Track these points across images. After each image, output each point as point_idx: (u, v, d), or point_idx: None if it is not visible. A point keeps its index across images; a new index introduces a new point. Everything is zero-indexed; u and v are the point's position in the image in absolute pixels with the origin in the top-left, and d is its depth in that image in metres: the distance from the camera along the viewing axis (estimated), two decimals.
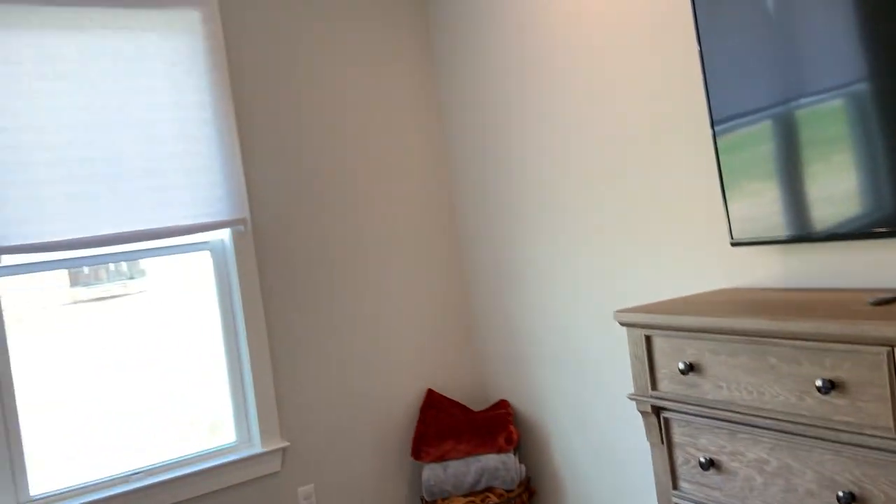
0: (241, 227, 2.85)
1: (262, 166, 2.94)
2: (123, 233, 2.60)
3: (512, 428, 3.12)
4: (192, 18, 2.77)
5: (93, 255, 2.64)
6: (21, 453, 2.48)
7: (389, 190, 3.25)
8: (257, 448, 2.88)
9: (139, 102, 2.65)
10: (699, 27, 2.03)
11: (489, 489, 3.05)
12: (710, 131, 2.17)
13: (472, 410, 3.36)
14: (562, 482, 3.07)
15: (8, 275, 2.49)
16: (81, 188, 2.53)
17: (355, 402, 3.12)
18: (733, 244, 2.06)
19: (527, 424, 3.22)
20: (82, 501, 2.51)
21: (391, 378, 3.22)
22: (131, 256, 2.73)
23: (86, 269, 3.77)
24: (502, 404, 3.30)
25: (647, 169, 2.44)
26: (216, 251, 2.88)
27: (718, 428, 1.82)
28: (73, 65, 2.54)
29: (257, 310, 2.88)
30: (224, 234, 2.88)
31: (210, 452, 2.84)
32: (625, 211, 2.56)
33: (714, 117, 2.03)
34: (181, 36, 2.75)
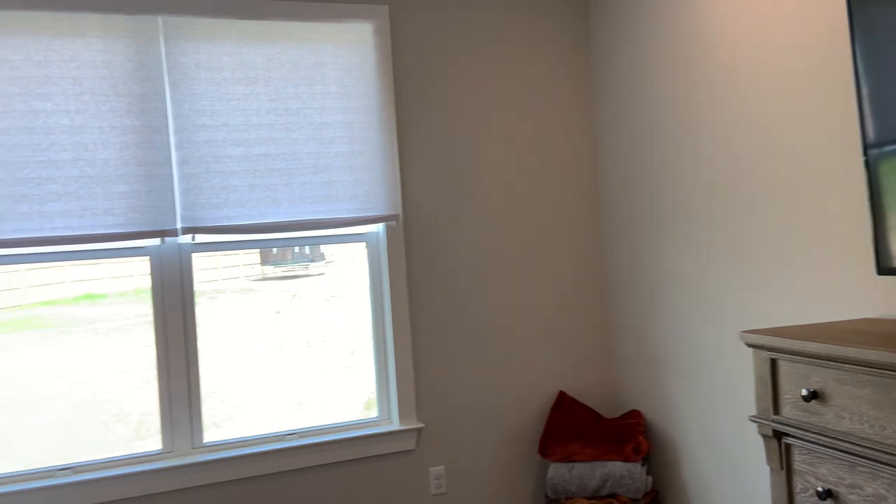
0: (394, 223, 3.11)
1: (416, 167, 3.18)
2: (295, 221, 2.94)
3: (641, 438, 3.13)
4: (364, 31, 3.06)
5: (268, 239, 3.01)
6: (199, 405, 2.90)
7: (535, 192, 3.37)
8: (395, 425, 3.12)
9: (314, 106, 2.98)
10: (854, 42, 1.96)
11: (614, 495, 3.08)
12: (861, 157, 2.08)
13: (602, 417, 3.40)
14: (687, 497, 3.04)
15: (200, 251, 2.91)
16: (262, 180, 2.90)
17: (489, 394, 3.28)
18: (880, 272, 1.97)
19: (657, 436, 3.21)
20: (246, 452, 2.88)
21: (525, 376, 3.34)
22: (300, 242, 3.07)
23: (274, 250, 4.23)
24: (634, 414, 3.31)
25: (796, 189, 2.37)
26: (371, 242, 3.16)
27: (839, 459, 1.77)
28: (261, 71, 2.91)
29: (403, 299, 3.12)
30: (378, 228, 3.15)
31: (355, 423, 3.12)
32: (769, 229, 2.50)
33: (867, 142, 1.96)
34: (354, 46, 3.04)
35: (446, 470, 3.22)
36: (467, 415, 3.25)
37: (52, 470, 2.70)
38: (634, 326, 3.30)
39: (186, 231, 2.80)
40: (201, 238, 2.90)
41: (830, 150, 2.23)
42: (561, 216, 3.42)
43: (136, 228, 2.73)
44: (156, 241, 2.83)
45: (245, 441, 2.97)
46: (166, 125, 2.78)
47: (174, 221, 2.79)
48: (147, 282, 2.85)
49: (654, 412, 3.22)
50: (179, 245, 2.87)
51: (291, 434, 3.02)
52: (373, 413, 3.20)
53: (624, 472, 3.07)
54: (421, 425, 3.14)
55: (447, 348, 3.22)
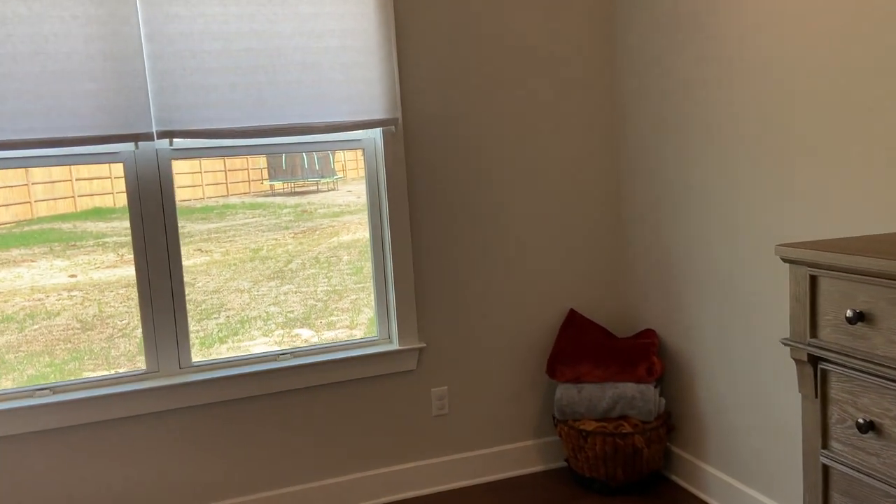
0: (392, 128, 2.84)
1: (417, 66, 2.87)
2: (282, 125, 2.67)
3: (655, 359, 2.95)
4: None
5: (254, 145, 2.75)
6: (186, 324, 2.72)
7: (548, 99, 3.07)
8: (395, 345, 2.95)
9: None
10: None
11: (624, 417, 2.94)
12: None
13: (614, 336, 3.22)
14: (703, 422, 2.89)
15: (180, 157, 2.67)
16: (245, 79, 2.62)
17: (494, 313, 3.09)
18: None
19: (672, 357, 3.03)
20: (236, 372, 2.72)
21: (533, 293, 3.14)
22: (289, 149, 2.81)
23: (283, 165, 3.97)
24: (648, 334, 3.12)
25: (835, 84, 2.08)
26: (368, 150, 2.90)
27: (886, 389, 1.56)
28: None
29: (403, 212, 2.89)
30: (376, 133, 2.88)
31: (352, 343, 2.96)
32: (802, 132, 2.22)
33: None
34: None
35: (449, 391, 3.07)
36: (471, 334, 3.07)
37: (31, 390, 2.56)
38: (653, 243, 3.06)
39: (162, 135, 2.55)
40: (181, 143, 2.65)
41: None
42: (575, 125, 3.13)
43: (107, 132, 2.48)
44: (129, 146, 2.58)
45: (236, 360, 2.81)
46: (135, 14, 2.49)
47: (149, 125, 2.53)
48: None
49: (669, 332, 3.03)
50: (157, 150, 2.62)
51: (285, 354, 2.86)
52: (372, 332, 3.03)
53: (635, 394, 2.91)
54: (422, 345, 2.97)
55: (450, 264, 3.01)
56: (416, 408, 3.02)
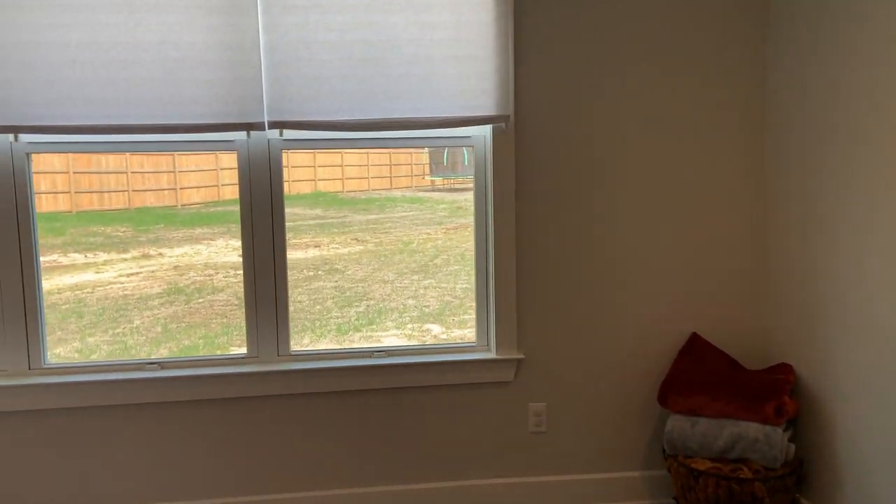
0: (503, 125, 2.69)
1: (534, 60, 2.70)
2: (392, 119, 2.62)
3: (787, 398, 2.59)
4: None
5: (363, 139, 2.72)
6: (286, 312, 2.74)
7: (684, 99, 2.79)
8: (492, 353, 2.81)
9: None
10: None
11: (743, 460, 2.60)
12: None
13: (742, 367, 2.87)
14: (840, 474, 2.49)
15: (291, 148, 2.69)
16: (357, 71, 2.59)
17: (603, 328, 2.86)
18: None
19: (809, 397, 2.65)
20: (332, 365, 2.71)
21: (650, 310, 2.87)
22: (397, 144, 2.75)
23: (444, 160, 3.99)
24: (782, 368, 2.75)
25: None
26: (477, 147, 2.78)
27: None
28: None
29: (508, 214, 2.74)
30: (486, 130, 2.75)
31: (449, 347, 2.85)
32: None
33: None
34: None
35: (548, 407, 2.87)
36: (576, 349, 2.86)
37: (141, 363, 2.69)
38: (799, 260, 2.69)
39: (273, 125, 2.58)
40: (291, 134, 2.67)
41: None
42: (709, 129, 2.81)
43: (222, 120, 2.55)
44: (242, 135, 2.64)
45: (331, 353, 2.80)
46: (255, 5, 2.53)
47: (261, 114, 2.57)
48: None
49: (808, 368, 2.65)
50: (269, 140, 2.66)
51: (379, 351, 2.81)
52: (470, 337, 2.90)
53: (759, 436, 2.56)
54: (521, 356, 2.80)
55: (557, 272, 2.82)
56: (512, 422, 2.86)
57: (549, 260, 2.80)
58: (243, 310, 2.71)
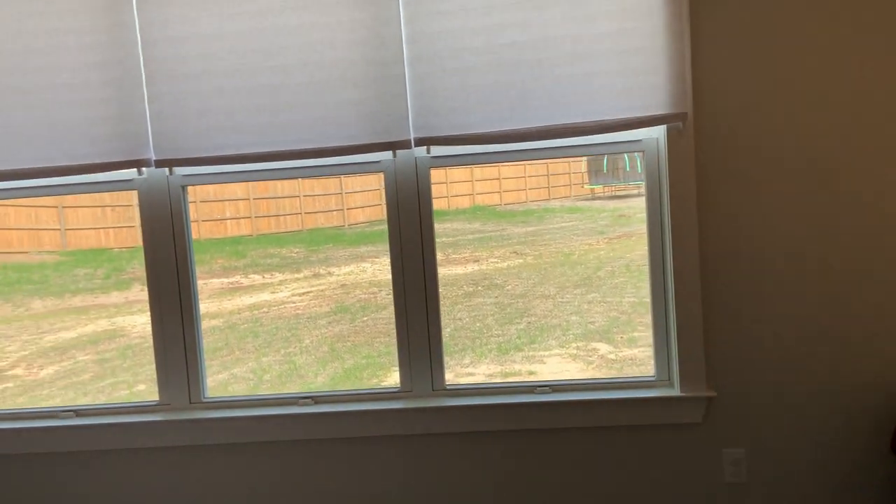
0: (680, 125, 2.31)
1: (716, 47, 2.30)
2: (547, 127, 2.33)
3: None
4: None
5: (514, 151, 2.45)
6: (439, 342, 2.53)
7: None
8: (675, 391, 2.42)
9: None
10: None
11: None
12: None
13: None
14: None
15: (439, 165, 2.48)
16: (507, 77, 2.33)
17: (818, 363, 2.37)
18: None
19: None
20: (489, 402, 2.46)
21: (881, 345, 2.34)
22: (554, 154, 2.45)
23: (604, 167, 3.75)
24: None
25: None
26: (649, 152, 2.41)
27: None
28: None
29: (690, 228, 2.34)
30: (658, 133, 2.38)
31: (624, 381, 2.50)
32: None
33: None
34: None
35: (747, 454, 2.43)
36: (781, 386, 2.39)
37: (295, 397, 2.59)
38: None
39: (419, 142, 2.39)
40: (438, 150, 2.46)
41: None
42: None
43: (366, 140, 2.39)
44: (388, 155, 2.47)
45: (488, 388, 2.55)
46: (398, 16, 2.35)
47: (407, 131, 2.39)
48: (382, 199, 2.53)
49: None
50: (416, 158, 2.47)
51: (543, 386, 2.51)
52: (645, 370, 2.53)
53: None
54: (712, 394, 2.38)
55: (754, 295, 2.37)
56: (701, 470, 2.45)
57: (740, 279, 2.37)
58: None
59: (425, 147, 2.43)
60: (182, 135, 2.43)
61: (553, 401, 2.43)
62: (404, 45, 2.36)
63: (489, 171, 4.84)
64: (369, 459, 2.54)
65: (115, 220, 4.38)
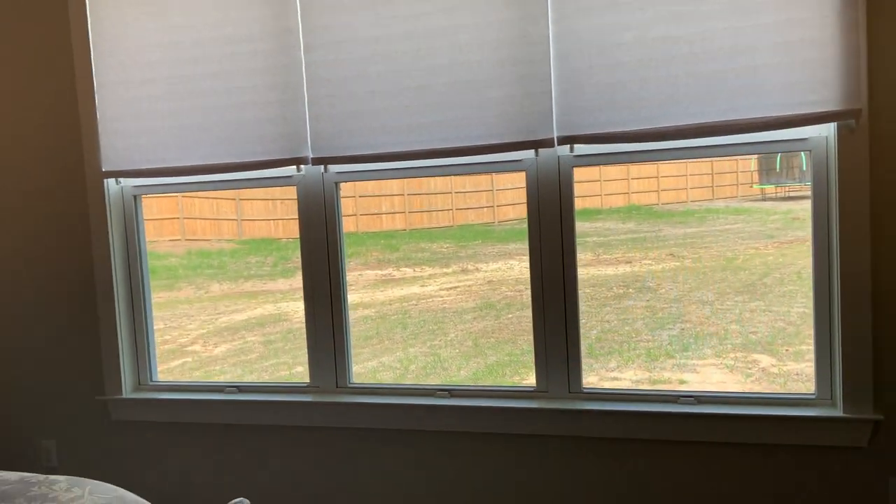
0: (853, 122, 2.11)
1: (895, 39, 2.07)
2: (701, 124, 2.22)
3: None
4: None
5: (661, 150, 2.35)
6: (578, 344, 2.50)
7: None
8: (837, 410, 2.22)
9: None
10: None
11: None
12: None
13: None
14: None
15: (582, 165, 2.44)
16: (658, 72, 2.24)
17: None
18: None
19: None
20: (628, 408, 2.39)
21: None
22: (704, 153, 2.32)
23: (777, 166, 3.56)
24: None
25: None
26: (817, 152, 2.22)
27: None
28: None
29: (861, 230, 2.13)
30: (827, 131, 2.19)
31: (778, 398, 2.33)
32: None
33: None
34: None
35: None
36: None
37: (433, 389, 2.66)
38: None
39: (562, 141, 2.36)
40: (582, 149, 2.41)
41: None
42: None
43: (509, 139, 2.40)
44: (530, 154, 2.46)
45: (627, 394, 2.47)
46: (545, 13, 2.34)
47: (550, 130, 2.36)
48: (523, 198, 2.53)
49: None
50: (559, 157, 2.44)
51: (688, 396, 2.40)
52: (804, 388, 2.34)
53: None
54: (879, 417, 2.16)
55: None
56: (864, 500, 2.22)
57: None
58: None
59: (568, 146, 2.39)
60: (336, 135, 2.57)
61: (694, 413, 2.31)
62: (551, 43, 2.34)
63: (646, 169, 4.67)
64: (494, 457, 2.55)
65: (283, 213, 4.72)
